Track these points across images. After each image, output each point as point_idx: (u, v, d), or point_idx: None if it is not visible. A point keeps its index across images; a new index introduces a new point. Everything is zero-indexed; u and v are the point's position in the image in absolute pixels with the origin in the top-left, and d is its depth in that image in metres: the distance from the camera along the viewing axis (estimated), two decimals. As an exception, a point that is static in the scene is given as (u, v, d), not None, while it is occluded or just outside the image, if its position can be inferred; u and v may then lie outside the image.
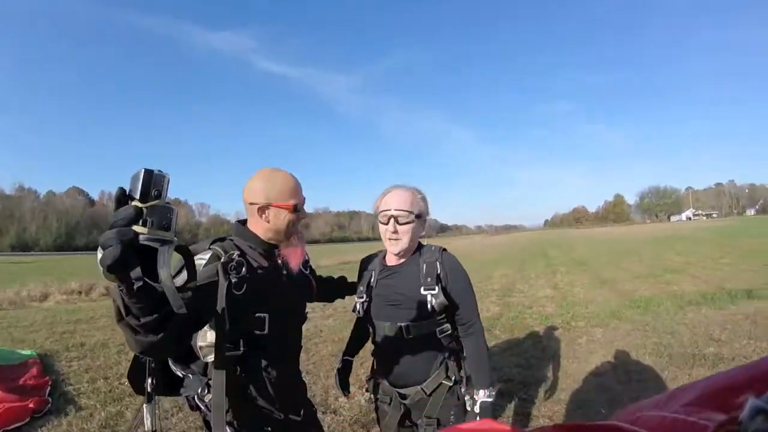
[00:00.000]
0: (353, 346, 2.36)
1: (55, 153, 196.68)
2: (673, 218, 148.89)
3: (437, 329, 1.93)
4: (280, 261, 1.80)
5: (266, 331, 1.65)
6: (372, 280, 2.07)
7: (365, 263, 2.21)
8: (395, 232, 1.93)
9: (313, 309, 9.82)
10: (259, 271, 1.69)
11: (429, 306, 1.87)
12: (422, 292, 1.89)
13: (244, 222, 1.82)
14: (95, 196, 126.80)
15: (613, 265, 16.06)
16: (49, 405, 4.38)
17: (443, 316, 1.94)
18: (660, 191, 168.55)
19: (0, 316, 9.94)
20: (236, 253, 1.62)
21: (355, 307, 2.10)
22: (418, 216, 1.97)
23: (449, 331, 1.96)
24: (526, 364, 5.29)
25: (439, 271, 1.92)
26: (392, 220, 1.92)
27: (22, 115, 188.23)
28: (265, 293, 1.65)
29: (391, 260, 2.06)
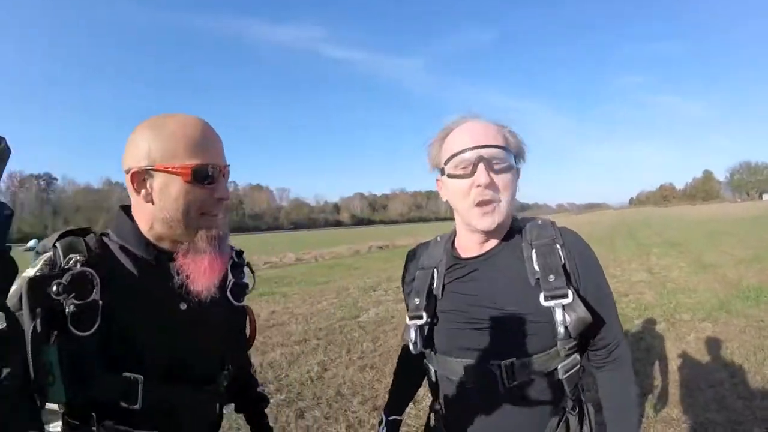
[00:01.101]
0: (401, 397, 1.57)
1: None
2: (765, 196, 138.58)
3: (560, 366, 1.14)
4: (176, 278, 1.05)
5: (138, 405, 0.96)
6: (435, 285, 1.27)
7: (416, 258, 1.40)
8: (489, 186, 1.12)
9: (386, 291, 9.57)
10: (130, 293, 1.01)
11: (558, 327, 1.07)
12: (542, 302, 1.09)
13: (128, 208, 1.10)
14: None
15: (711, 248, 14.56)
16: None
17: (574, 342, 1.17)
18: (752, 167, 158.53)
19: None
20: (76, 257, 0.94)
21: (406, 335, 1.27)
22: (515, 159, 1.21)
23: (578, 366, 1.18)
24: None
25: (564, 261, 1.14)
26: (482, 165, 1.12)
27: (106, 114, 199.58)
28: (136, 336, 0.99)
29: (469, 246, 1.26)
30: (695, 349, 4.96)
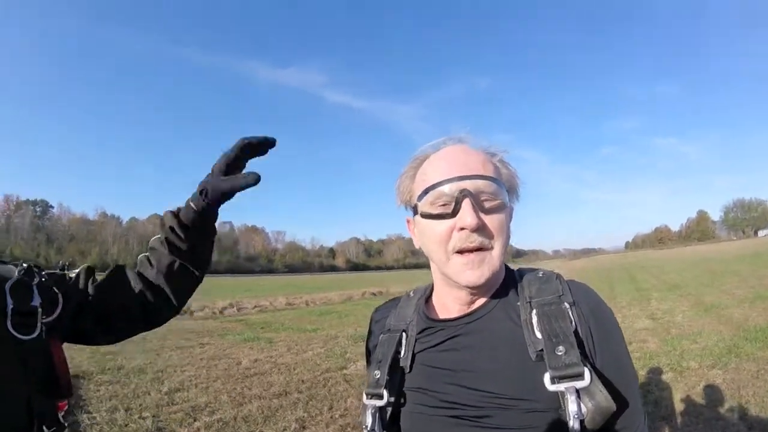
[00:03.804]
0: None
1: (136, 182, 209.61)
2: (761, 233, 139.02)
3: None
4: None
5: None
6: (402, 354, 0.98)
7: (383, 318, 1.11)
8: (477, 229, 0.85)
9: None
10: None
11: (571, 421, 0.76)
12: (548, 384, 0.79)
13: None
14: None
15: (712, 288, 14.32)
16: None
17: None
18: (745, 204, 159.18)
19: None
20: None
21: (362, 417, 0.96)
22: (509, 194, 0.95)
23: None
24: None
25: (577, 326, 0.85)
26: (467, 202, 0.85)
27: (106, 147, 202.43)
28: None
29: (448, 305, 0.98)
30: (707, 400, 4.64)
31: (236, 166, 1.08)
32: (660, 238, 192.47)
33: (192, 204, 1.10)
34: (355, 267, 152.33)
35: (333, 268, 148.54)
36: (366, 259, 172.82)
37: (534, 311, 0.87)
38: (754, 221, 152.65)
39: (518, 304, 0.91)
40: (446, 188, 0.87)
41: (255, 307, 17.33)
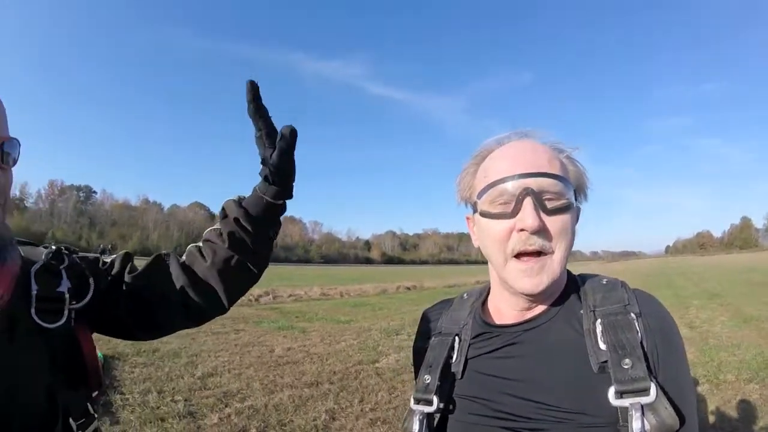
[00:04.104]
0: None
1: (181, 170, 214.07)
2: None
3: None
4: None
5: None
6: (454, 359, 0.94)
7: (434, 320, 1.06)
8: (538, 231, 0.82)
9: (409, 336, 9.19)
10: None
11: None
12: (612, 399, 0.75)
13: None
14: (215, 210, 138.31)
15: (753, 299, 13.89)
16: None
17: None
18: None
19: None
20: None
21: (407, 423, 0.92)
22: (577, 194, 0.90)
23: None
24: None
25: (643, 339, 0.80)
26: (529, 201, 0.81)
27: (150, 134, 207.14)
28: None
29: (506, 310, 0.94)
30: (742, 415, 4.52)
31: (271, 138, 1.02)
32: (701, 243, 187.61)
33: (260, 192, 1.03)
34: (390, 260, 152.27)
35: (368, 261, 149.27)
36: (401, 252, 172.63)
37: (598, 320, 0.83)
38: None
39: (581, 312, 0.87)
40: (508, 186, 0.84)
41: (290, 296, 17.34)
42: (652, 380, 0.74)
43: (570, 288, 0.92)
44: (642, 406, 0.72)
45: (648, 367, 0.77)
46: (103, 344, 6.54)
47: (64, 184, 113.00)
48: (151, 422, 4.09)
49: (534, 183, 0.82)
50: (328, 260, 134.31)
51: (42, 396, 0.83)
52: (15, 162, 0.85)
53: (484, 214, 0.88)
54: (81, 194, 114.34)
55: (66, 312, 0.89)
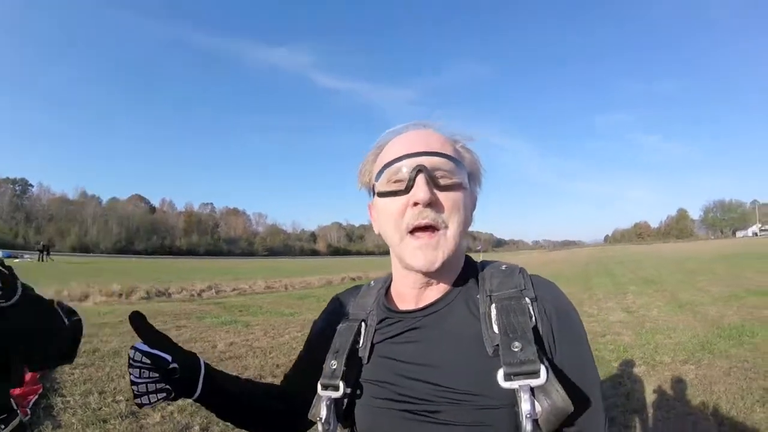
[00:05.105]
0: (231, 380, 1.11)
1: (118, 162, 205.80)
2: (739, 233, 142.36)
3: None
4: None
5: None
6: (361, 345, 0.95)
7: (342, 306, 1.08)
8: (431, 205, 0.84)
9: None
10: None
11: (523, 420, 0.72)
12: (501, 381, 0.75)
13: None
14: (156, 203, 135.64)
15: (688, 285, 14.57)
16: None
17: None
18: (725, 205, 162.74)
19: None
20: None
21: (314, 409, 0.93)
22: (469, 179, 0.92)
23: None
24: (606, 416, 4.08)
25: (535, 322, 0.83)
26: (421, 176, 0.84)
27: (86, 125, 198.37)
28: None
29: (407, 294, 0.96)
30: (678, 395, 4.70)
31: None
32: (639, 233, 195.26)
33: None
34: (336, 252, 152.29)
35: (314, 253, 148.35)
36: (347, 244, 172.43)
37: (493, 305, 0.85)
38: (733, 222, 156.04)
39: (478, 297, 0.89)
40: (403, 164, 0.87)
41: (234, 290, 17.15)
42: (543, 363, 0.75)
43: (469, 273, 0.94)
44: (532, 389, 0.74)
45: (543, 350, 0.80)
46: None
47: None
48: (93, 424, 4.00)
49: (427, 161, 0.86)
50: (273, 252, 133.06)
51: None
52: None
53: (381, 194, 0.91)
54: (17, 188, 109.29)
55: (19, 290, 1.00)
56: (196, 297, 14.96)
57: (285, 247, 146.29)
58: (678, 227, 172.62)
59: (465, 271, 0.95)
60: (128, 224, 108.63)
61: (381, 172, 0.91)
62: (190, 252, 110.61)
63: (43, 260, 37.16)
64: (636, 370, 5.59)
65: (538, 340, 0.80)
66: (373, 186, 0.94)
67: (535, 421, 0.72)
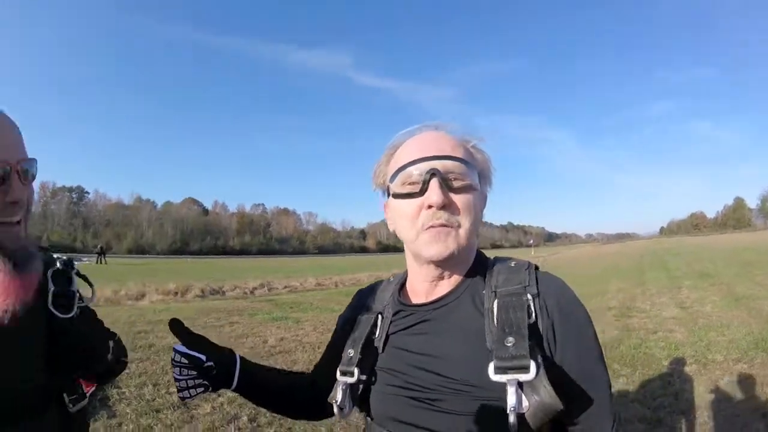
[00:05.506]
0: (265, 373, 1.21)
1: (172, 167, 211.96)
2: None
3: None
4: None
5: None
6: (377, 335, 1.02)
7: (364, 299, 1.15)
8: (444, 207, 0.89)
9: None
10: None
11: (510, 414, 0.74)
12: (492, 374, 0.79)
13: None
14: (209, 205, 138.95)
15: (745, 278, 13.80)
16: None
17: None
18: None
19: (87, 313, 9.94)
20: None
21: (333, 393, 1.00)
22: (480, 180, 0.97)
23: None
24: (653, 417, 4.06)
25: (535, 319, 0.86)
26: (435, 181, 0.88)
27: (139, 132, 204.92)
28: None
29: (420, 289, 1.01)
30: (729, 395, 4.52)
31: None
32: (695, 224, 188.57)
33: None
34: (386, 248, 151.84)
35: (364, 250, 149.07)
36: (397, 240, 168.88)
37: (496, 301, 0.88)
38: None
39: (484, 292, 0.93)
40: (416, 168, 0.92)
41: (285, 287, 17.43)
42: (536, 359, 0.77)
43: (478, 269, 0.98)
44: (521, 384, 0.76)
45: (540, 346, 0.83)
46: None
47: (56, 185, 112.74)
48: (146, 414, 4.17)
49: (440, 165, 0.90)
50: (323, 251, 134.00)
51: (46, 371, 1.00)
52: (34, 178, 0.98)
53: (396, 196, 0.96)
54: (73, 195, 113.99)
55: (75, 307, 1.09)
56: (249, 294, 15.27)
57: (335, 244, 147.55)
58: (735, 217, 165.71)
59: (475, 267, 0.99)
60: (182, 226, 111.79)
61: (395, 174, 0.95)
62: (243, 252, 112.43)
63: (100, 262, 39.23)
64: (686, 368, 5.42)
65: (537, 336, 0.84)
66: (388, 187, 0.99)
67: (520, 416, 0.75)
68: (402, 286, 1.09)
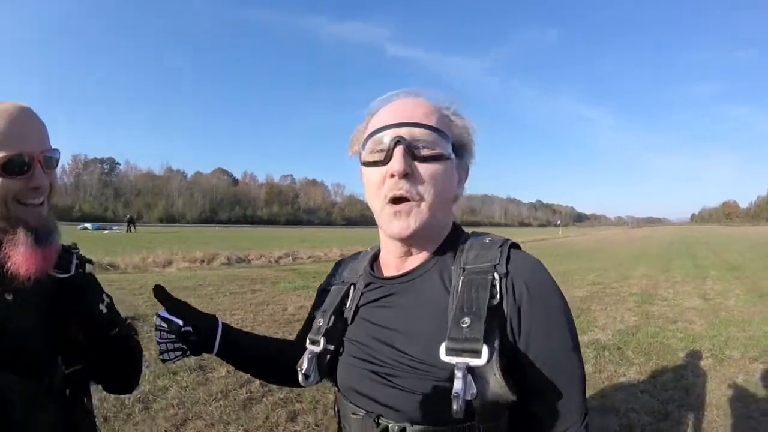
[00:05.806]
0: (246, 337, 1.23)
1: (203, 138, 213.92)
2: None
3: None
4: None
5: None
6: (347, 306, 1.01)
7: (338, 270, 1.14)
8: (407, 177, 0.85)
9: None
10: None
11: (454, 399, 0.71)
12: (442, 355, 0.76)
13: None
14: (238, 176, 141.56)
15: (773, 274, 13.49)
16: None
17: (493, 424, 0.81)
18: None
19: (115, 278, 10.26)
20: None
21: (300, 362, 0.99)
22: (456, 149, 0.92)
23: None
24: (661, 409, 3.97)
25: (499, 299, 0.81)
26: (399, 149, 0.85)
27: (171, 103, 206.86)
28: None
29: (389, 262, 0.99)
30: (743, 395, 4.39)
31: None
32: (727, 213, 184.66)
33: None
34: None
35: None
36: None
37: (462, 279, 0.84)
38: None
39: (453, 268, 0.89)
40: (384, 135, 0.88)
41: (309, 257, 17.64)
42: (490, 344, 0.74)
43: (451, 243, 0.94)
44: (470, 368, 0.73)
45: (503, 329, 0.79)
46: (125, 306, 6.81)
47: (88, 157, 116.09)
48: (164, 375, 4.34)
49: (407, 132, 0.86)
50: (350, 222, 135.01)
51: (48, 331, 1.07)
52: (57, 163, 1.07)
53: (365, 164, 0.93)
54: (105, 166, 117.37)
55: (73, 266, 1.14)
56: (274, 264, 15.48)
57: (362, 217, 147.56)
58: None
59: (447, 243, 0.94)
60: (212, 196, 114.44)
61: (366, 141, 0.92)
62: (271, 222, 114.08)
63: (130, 231, 41.25)
64: (702, 363, 5.32)
65: (500, 319, 0.79)
66: (360, 154, 0.95)
67: (465, 402, 0.71)
68: (376, 258, 1.07)
